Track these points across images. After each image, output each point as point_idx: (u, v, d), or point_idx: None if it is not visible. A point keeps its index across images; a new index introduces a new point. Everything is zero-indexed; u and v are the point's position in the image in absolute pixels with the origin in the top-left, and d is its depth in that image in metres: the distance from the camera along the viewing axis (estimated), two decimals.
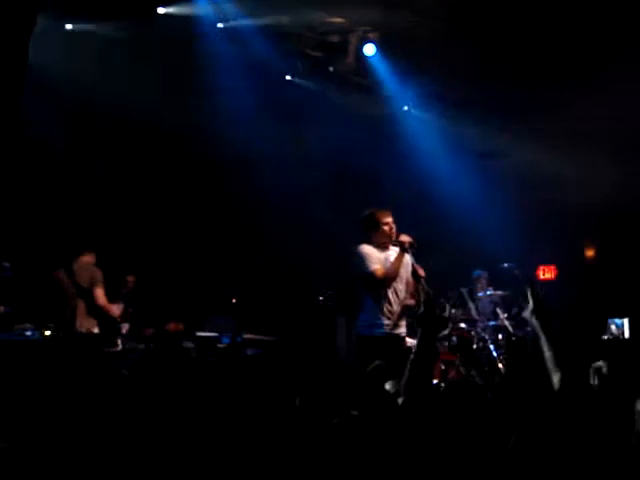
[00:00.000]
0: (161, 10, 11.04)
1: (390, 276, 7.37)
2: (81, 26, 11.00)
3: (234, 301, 10.69)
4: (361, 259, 7.44)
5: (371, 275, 7.36)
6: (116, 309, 8.97)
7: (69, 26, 11.02)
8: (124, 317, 9.70)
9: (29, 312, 9.53)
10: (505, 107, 12.02)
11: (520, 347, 10.36)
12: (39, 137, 10.54)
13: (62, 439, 7.42)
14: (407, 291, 7.60)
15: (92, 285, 8.67)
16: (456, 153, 12.35)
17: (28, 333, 8.87)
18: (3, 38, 8.66)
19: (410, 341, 7.66)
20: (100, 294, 8.67)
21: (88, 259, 8.90)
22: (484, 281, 11.43)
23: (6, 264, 8.43)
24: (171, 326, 10.21)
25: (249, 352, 10.49)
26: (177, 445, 7.46)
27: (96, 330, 8.77)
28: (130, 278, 10.28)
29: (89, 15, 10.72)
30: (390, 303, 7.47)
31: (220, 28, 11.44)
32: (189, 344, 10.21)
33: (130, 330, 10.04)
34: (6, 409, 8.06)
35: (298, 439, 7.62)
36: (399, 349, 7.44)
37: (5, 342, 8.62)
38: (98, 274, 8.74)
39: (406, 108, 13.03)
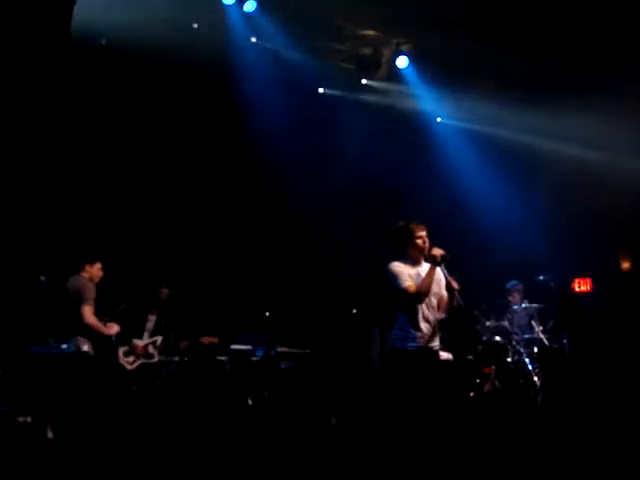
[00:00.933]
0: (195, 25, 11.13)
1: (422, 292, 7.34)
2: None
3: (267, 314, 10.68)
4: (393, 277, 7.42)
5: (404, 292, 7.33)
6: (110, 328, 8.79)
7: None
8: (119, 335, 9.64)
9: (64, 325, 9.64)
10: (538, 117, 11.94)
11: (556, 360, 10.29)
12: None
13: (97, 447, 7.51)
14: (440, 304, 7.56)
15: (79, 302, 8.54)
16: (488, 164, 12.26)
17: (64, 346, 8.96)
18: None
19: (444, 355, 7.64)
20: (87, 312, 8.51)
21: (85, 274, 8.77)
22: (518, 292, 11.32)
23: (42, 277, 8.50)
24: (205, 339, 10.24)
25: (282, 365, 10.51)
26: (210, 454, 7.50)
27: (86, 348, 8.60)
28: (164, 290, 10.34)
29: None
30: (423, 317, 7.43)
31: (253, 42, 11.50)
32: (223, 357, 10.26)
33: (164, 342, 10.07)
34: (42, 417, 8.20)
35: (333, 451, 7.64)
36: (433, 362, 7.41)
37: (41, 355, 8.72)
38: (88, 291, 8.59)
39: (439, 119, 12.99)
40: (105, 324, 8.71)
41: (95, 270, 8.80)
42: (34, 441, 7.95)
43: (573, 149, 11.91)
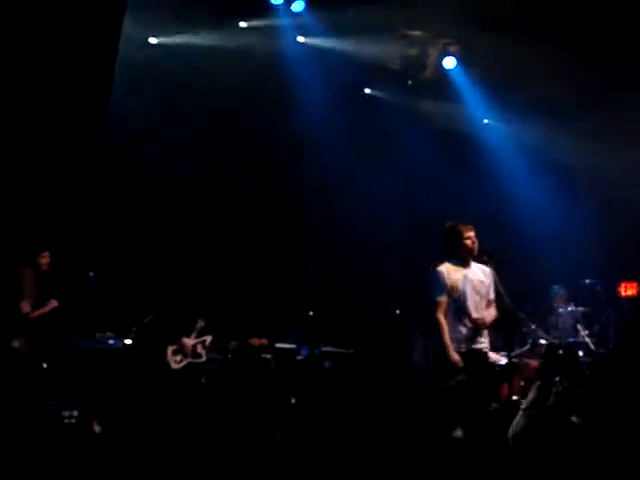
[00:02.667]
0: (243, 24, 11.19)
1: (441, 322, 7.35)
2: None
3: (311, 314, 10.69)
4: (432, 284, 7.47)
5: (432, 305, 7.40)
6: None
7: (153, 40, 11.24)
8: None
9: (109, 320, 9.74)
10: (587, 117, 11.83)
11: (604, 364, 10.16)
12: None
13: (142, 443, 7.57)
14: (489, 306, 7.54)
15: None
16: (535, 166, 12.18)
17: (111, 342, 9.06)
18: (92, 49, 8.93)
19: (493, 355, 7.61)
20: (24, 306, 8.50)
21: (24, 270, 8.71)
22: (561, 298, 11.24)
23: (91, 273, 8.59)
24: (255, 341, 10.22)
25: (326, 364, 10.52)
26: (253, 452, 7.54)
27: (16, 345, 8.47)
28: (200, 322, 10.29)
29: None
30: (470, 318, 7.42)
31: (300, 42, 11.53)
32: (268, 355, 10.28)
33: (214, 342, 10.05)
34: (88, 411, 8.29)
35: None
36: (480, 364, 7.39)
37: (89, 350, 8.82)
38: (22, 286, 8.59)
39: (486, 121, 12.92)
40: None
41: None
42: (80, 435, 8.03)
43: (624, 155, 11.75)
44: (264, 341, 10.18)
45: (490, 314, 7.54)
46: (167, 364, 9.72)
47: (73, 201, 10.16)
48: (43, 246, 8.74)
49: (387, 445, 8.18)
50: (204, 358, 9.92)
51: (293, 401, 9.80)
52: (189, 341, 9.91)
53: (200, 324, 9.99)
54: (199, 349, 9.91)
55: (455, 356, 7.24)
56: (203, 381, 9.89)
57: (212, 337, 10.03)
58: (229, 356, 10.14)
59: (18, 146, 9.12)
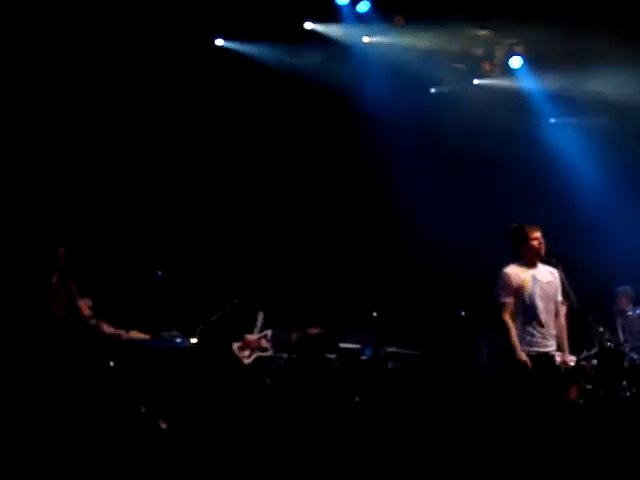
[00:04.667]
0: (308, 25, 11.25)
1: (508, 323, 7.30)
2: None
3: (375, 314, 10.69)
4: (499, 286, 7.43)
5: (499, 306, 7.35)
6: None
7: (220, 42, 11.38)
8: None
9: (175, 319, 9.86)
10: None
11: None
12: None
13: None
14: (557, 309, 7.50)
15: None
16: (602, 164, 12.00)
17: (178, 340, 9.16)
18: None
19: (567, 357, 7.55)
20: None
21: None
22: (628, 297, 11.07)
23: (159, 272, 8.71)
24: (312, 330, 10.30)
25: (390, 365, 10.51)
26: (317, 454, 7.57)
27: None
28: (272, 296, 10.39)
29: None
30: (538, 321, 7.38)
31: (366, 42, 11.55)
32: (332, 355, 10.32)
33: (274, 336, 10.14)
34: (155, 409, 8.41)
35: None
36: (548, 367, 7.34)
37: (157, 349, 8.94)
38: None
39: (553, 120, 12.78)
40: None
41: None
42: (148, 432, 8.14)
43: None
44: (319, 330, 10.26)
45: (561, 317, 7.52)
46: (238, 360, 9.85)
47: (144, 201, 10.38)
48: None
49: (448, 446, 8.16)
50: (270, 351, 10.04)
51: (357, 399, 9.84)
52: (253, 336, 10.03)
53: (260, 317, 10.13)
54: (264, 343, 10.04)
55: (523, 356, 7.20)
56: (268, 381, 9.98)
57: (272, 331, 10.13)
58: (293, 356, 10.22)
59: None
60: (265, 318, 10.21)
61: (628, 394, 9.90)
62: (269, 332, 10.12)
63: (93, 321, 8.57)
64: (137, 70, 10.89)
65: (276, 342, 10.09)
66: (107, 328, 8.68)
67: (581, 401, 9.65)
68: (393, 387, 10.25)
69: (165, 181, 11.23)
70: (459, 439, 8.56)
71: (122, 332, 8.75)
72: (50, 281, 8.28)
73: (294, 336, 10.17)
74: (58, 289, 8.51)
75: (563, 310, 8.33)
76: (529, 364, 7.18)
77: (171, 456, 7.34)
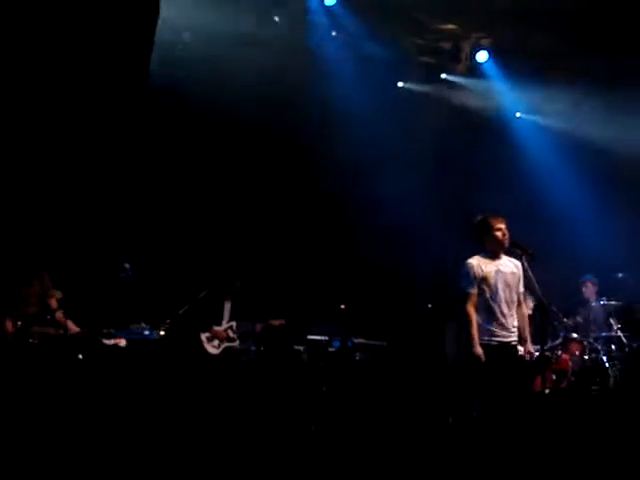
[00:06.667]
0: (276, 18, 11.26)
1: (469, 314, 7.40)
2: None
3: (342, 307, 10.76)
4: (463, 276, 7.53)
5: (463, 296, 7.48)
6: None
7: None
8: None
9: (143, 311, 9.87)
10: (621, 113, 11.79)
11: (636, 357, 10.17)
12: None
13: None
14: (520, 300, 7.60)
15: None
16: (568, 160, 12.14)
17: (146, 332, 9.18)
18: None
19: (530, 347, 7.65)
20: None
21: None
22: (592, 284, 11.23)
23: (127, 265, 8.69)
24: (275, 322, 10.40)
25: (358, 356, 10.60)
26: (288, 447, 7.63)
27: None
28: (237, 283, 10.46)
29: None
30: (501, 312, 7.47)
31: (334, 36, 11.59)
32: (300, 347, 10.40)
33: (239, 327, 10.23)
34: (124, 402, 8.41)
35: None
36: (510, 356, 7.44)
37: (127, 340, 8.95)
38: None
39: (519, 114, 12.91)
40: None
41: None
42: (116, 425, 8.14)
43: None
44: (282, 321, 10.42)
45: (523, 308, 7.63)
46: (205, 351, 9.93)
47: (109, 193, 10.35)
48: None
49: (417, 436, 8.25)
50: (237, 342, 10.15)
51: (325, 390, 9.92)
52: (220, 327, 10.12)
53: (227, 308, 10.23)
54: (231, 333, 10.16)
55: (479, 350, 7.30)
56: (239, 365, 10.10)
57: (237, 322, 10.25)
58: (262, 348, 10.30)
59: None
60: (232, 309, 10.29)
61: (592, 386, 10.10)
62: (234, 323, 10.21)
63: (60, 313, 8.59)
64: None
65: (241, 333, 10.19)
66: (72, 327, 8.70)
67: (547, 391, 9.81)
68: (361, 378, 10.33)
69: (132, 174, 11.19)
70: (428, 429, 8.65)
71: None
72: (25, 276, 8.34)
73: (258, 327, 10.27)
74: (33, 283, 8.56)
75: (530, 304, 8.49)
76: (483, 358, 7.28)
77: (140, 448, 7.34)
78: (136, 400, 8.53)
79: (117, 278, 8.76)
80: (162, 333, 9.48)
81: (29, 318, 8.36)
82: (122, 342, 8.89)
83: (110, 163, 10.49)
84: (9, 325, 8.29)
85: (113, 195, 10.79)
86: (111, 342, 8.80)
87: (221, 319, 10.19)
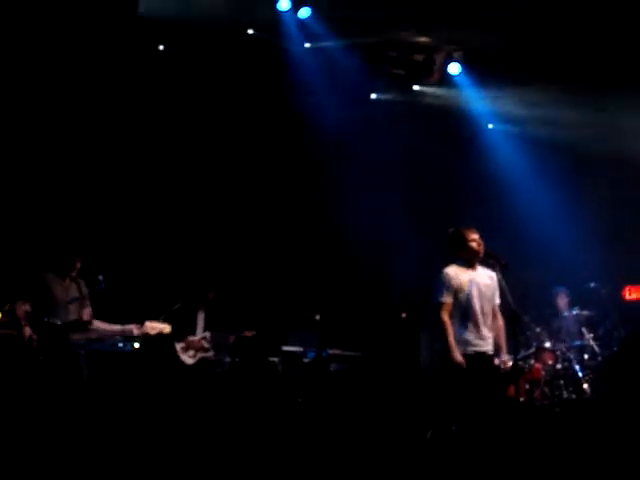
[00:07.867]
0: (249, 31, 11.28)
1: (447, 327, 7.42)
2: None
3: (317, 317, 10.78)
4: (438, 285, 7.56)
5: (438, 306, 7.49)
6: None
7: None
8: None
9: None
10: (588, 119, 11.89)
11: (610, 367, 10.26)
12: None
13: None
14: (494, 310, 7.65)
15: None
16: (540, 170, 12.22)
17: (120, 345, 9.15)
18: None
19: (505, 357, 7.70)
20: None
21: None
22: (565, 295, 11.31)
23: (100, 277, 8.66)
24: (248, 333, 10.41)
25: (332, 367, 10.62)
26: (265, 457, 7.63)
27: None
28: (210, 294, 10.45)
29: None
30: (475, 322, 7.52)
31: (307, 48, 11.63)
32: (275, 358, 10.41)
33: (213, 338, 10.22)
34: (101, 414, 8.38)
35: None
36: (484, 366, 7.49)
37: (99, 352, 8.90)
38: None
39: (491, 126, 13.00)
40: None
41: None
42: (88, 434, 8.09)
43: (630, 151, 11.79)
44: (253, 332, 10.45)
45: (498, 318, 7.67)
46: (180, 361, 9.91)
47: (83, 204, 10.32)
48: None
49: (393, 446, 8.27)
50: (211, 352, 10.15)
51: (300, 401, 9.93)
52: (195, 337, 10.12)
53: (201, 318, 10.22)
54: (205, 344, 10.15)
55: (459, 357, 7.33)
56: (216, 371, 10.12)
57: (210, 333, 10.27)
58: (237, 359, 10.30)
59: None
60: (206, 320, 10.29)
61: (565, 395, 10.18)
62: (208, 334, 10.21)
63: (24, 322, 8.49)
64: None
65: (215, 344, 10.19)
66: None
67: (521, 399, 9.87)
68: (336, 389, 10.35)
69: (105, 184, 11.19)
70: (402, 439, 8.68)
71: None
72: None
73: (231, 338, 10.27)
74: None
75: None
76: (464, 364, 7.32)
77: (116, 458, 7.32)
78: (113, 410, 8.51)
79: (91, 290, 8.74)
80: (136, 346, 9.46)
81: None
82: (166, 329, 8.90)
83: (84, 175, 10.49)
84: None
85: (86, 204, 10.78)
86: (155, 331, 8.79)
87: (195, 329, 10.18)
